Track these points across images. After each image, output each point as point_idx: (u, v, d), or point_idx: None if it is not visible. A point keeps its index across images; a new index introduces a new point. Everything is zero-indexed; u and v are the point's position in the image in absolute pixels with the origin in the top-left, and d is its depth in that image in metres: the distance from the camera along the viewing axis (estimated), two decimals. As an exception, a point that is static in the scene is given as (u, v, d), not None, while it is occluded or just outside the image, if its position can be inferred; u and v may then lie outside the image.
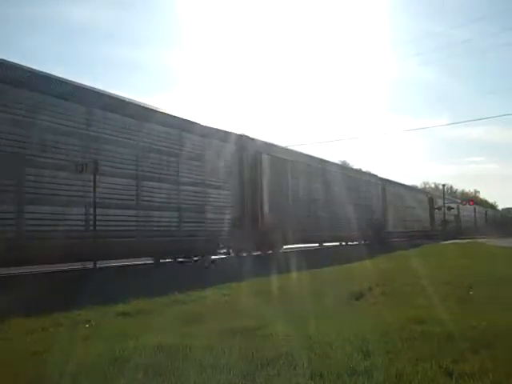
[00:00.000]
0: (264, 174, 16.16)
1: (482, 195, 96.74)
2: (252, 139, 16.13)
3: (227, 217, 14.25)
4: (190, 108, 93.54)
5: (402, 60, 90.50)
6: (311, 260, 14.19)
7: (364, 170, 31.79)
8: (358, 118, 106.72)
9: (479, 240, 30.27)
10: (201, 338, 4.62)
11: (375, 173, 30.36)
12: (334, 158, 58.98)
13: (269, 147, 17.27)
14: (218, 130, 14.66)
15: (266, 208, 15.98)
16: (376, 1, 71.67)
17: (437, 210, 43.70)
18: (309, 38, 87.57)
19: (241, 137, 15.61)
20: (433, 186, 79.32)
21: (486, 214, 71.04)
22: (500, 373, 3.59)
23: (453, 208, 48.57)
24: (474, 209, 59.93)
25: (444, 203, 46.67)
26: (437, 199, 45.31)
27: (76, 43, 77.79)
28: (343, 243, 24.58)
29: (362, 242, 23.98)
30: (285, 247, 18.32)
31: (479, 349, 4.20)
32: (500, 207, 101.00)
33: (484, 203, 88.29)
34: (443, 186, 56.33)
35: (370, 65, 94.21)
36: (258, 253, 16.13)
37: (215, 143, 14.23)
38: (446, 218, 45.69)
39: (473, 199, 70.41)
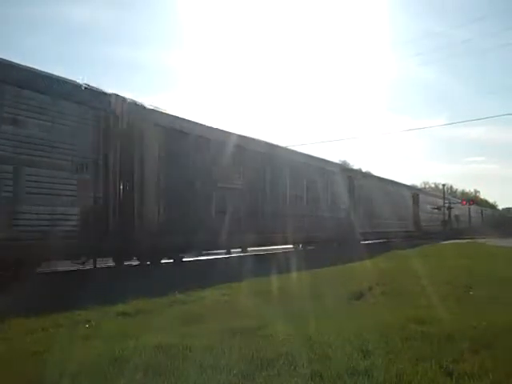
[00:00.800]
0: (150, 153, 11.34)
1: (482, 195, 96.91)
2: (133, 103, 11.09)
3: (72, 211, 9.32)
4: (190, 108, 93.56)
5: (401, 60, 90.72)
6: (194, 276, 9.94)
7: (337, 161, 25.86)
8: (358, 118, 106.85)
9: (479, 240, 30.24)
10: (201, 338, 4.62)
11: (342, 163, 26.29)
12: (335, 157, 58.93)
13: (167, 119, 12.20)
14: (62, 82, 9.50)
15: (150, 201, 11.20)
16: (376, 1, 71.76)
17: (437, 210, 43.60)
18: (309, 38, 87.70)
19: (108, 97, 10.48)
20: (433, 185, 79.40)
21: (482, 214, 69.30)
22: (500, 373, 3.59)
23: (452, 208, 48.44)
24: (469, 208, 57.21)
25: (444, 203, 46.56)
26: (424, 196, 40.70)
27: (76, 43, 78.05)
28: (300, 246, 19.69)
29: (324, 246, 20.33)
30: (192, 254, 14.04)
31: (479, 349, 4.21)
32: (500, 207, 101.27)
33: (484, 203, 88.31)
34: (443, 185, 56.37)
35: (370, 65, 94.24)
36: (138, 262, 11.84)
37: (53, 102, 9.13)
38: (446, 219, 45.44)
39: (473, 199, 70.17)
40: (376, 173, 36.29)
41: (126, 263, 11.54)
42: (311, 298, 6.98)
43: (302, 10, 77.98)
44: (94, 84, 10.29)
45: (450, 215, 47.83)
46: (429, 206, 40.10)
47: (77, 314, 6.06)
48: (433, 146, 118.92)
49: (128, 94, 11.18)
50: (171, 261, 12.42)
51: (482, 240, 29.86)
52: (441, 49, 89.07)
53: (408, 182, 46.00)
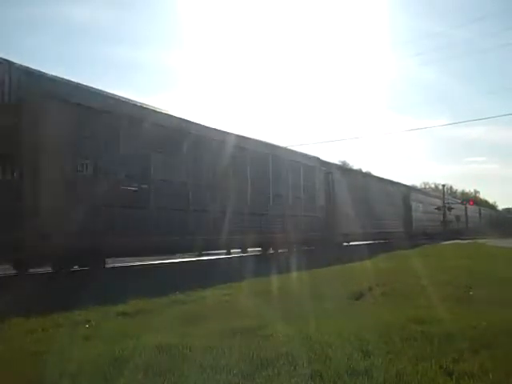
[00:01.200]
0: (50, 134, 9.06)
1: (482, 195, 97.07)
2: (24, 70, 8.95)
3: None
4: (190, 108, 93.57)
5: (401, 60, 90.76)
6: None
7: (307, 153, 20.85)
8: (359, 118, 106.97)
9: (479, 241, 30.18)
10: (201, 338, 4.62)
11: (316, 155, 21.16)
12: (335, 157, 59.08)
13: (79, 93, 9.88)
14: None
15: (49, 195, 9.01)
16: (376, 1, 71.75)
17: (437, 210, 43.47)
18: (309, 38, 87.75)
19: None
20: (433, 186, 79.44)
21: (479, 214, 67.17)
22: (500, 373, 3.59)
23: (453, 208, 48.22)
24: (465, 208, 54.98)
25: (444, 203, 46.42)
26: (418, 194, 38.18)
27: (76, 43, 78.17)
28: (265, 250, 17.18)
29: (292, 250, 16.99)
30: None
31: (479, 349, 4.20)
32: (500, 207, 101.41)
33: (484, 203, 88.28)
34: (443, 186, 56.36)
35: (370, 65, 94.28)
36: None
37: None
38: (445, 219, 44.94)
39: (473, 199, 69.89)
40: (377, 173, 35.65)
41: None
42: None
43: (302, 9, 78.05)
44: (94, 84, 10.13)
45: (445, 215, 45.59)
46: (423, 205, 38.01)
47: (77, 314, 6.05)
48: (433, 146, 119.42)
49: (128, 94, 10.96)
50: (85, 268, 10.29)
51: (482, 240, 29.80)
52: (441, 49, 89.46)
53: (408, 183, 45.72)
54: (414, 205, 34.37)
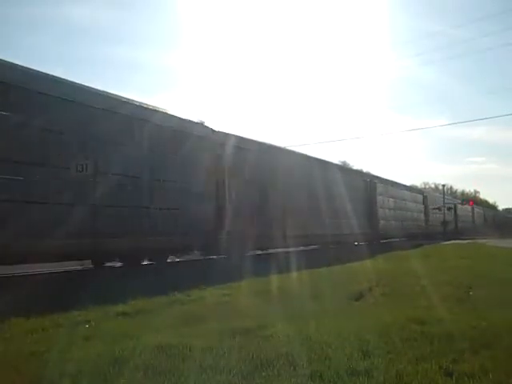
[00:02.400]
0: None
1: (483, 195, 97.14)
2: None
3: None
4: (190, 108, 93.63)
5: (401, 60, 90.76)
6: None
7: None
8: (360, 118, 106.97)
9: (479, 241, 30.11)
10: (201, 338, 4.61)
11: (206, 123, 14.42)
12: (335, 158, 59.04)
13: None
14: None
15: None
16: (376, 1, 71.76)
17: (437, 210, 43.23)
18: (309, 38, 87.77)
19: None
20: (433, 186, 79.49)
21: (472, 213, 62.43)
22: (500, 373, 3.59)
23: (452, 208, 47.97)
24: (455, 206, 50.27)
25: (444, 203, 46.28)
26: (388, 187, 30.12)
27: (76, 43, 78.06)
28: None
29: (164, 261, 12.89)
30: None
31: (479, 349, 4.20)
32: (500, 207, 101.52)
33: (484, 203, 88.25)
34: (443, 186, 56.34)
35: (370, 65, 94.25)
36: None
37: None
38: (446, 219, 44.52)
39: (472, 200, 69.64)
40: (377, 173, 34.01)
41: None
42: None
43: (302, 9, 78.08)
44: (94, 84, 9.69)
45: (428, 214, 40.09)
46: (395, 201, 31.15)
47: (77, 315, 6.04)
48: (433, 147, 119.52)
49: (128, 94, 10.46)
50: None
51: (482, 240, 29.69)
52: (441, 49, 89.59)
53: (408, 182, 45.17)
54: (380, 199, 27.77)
